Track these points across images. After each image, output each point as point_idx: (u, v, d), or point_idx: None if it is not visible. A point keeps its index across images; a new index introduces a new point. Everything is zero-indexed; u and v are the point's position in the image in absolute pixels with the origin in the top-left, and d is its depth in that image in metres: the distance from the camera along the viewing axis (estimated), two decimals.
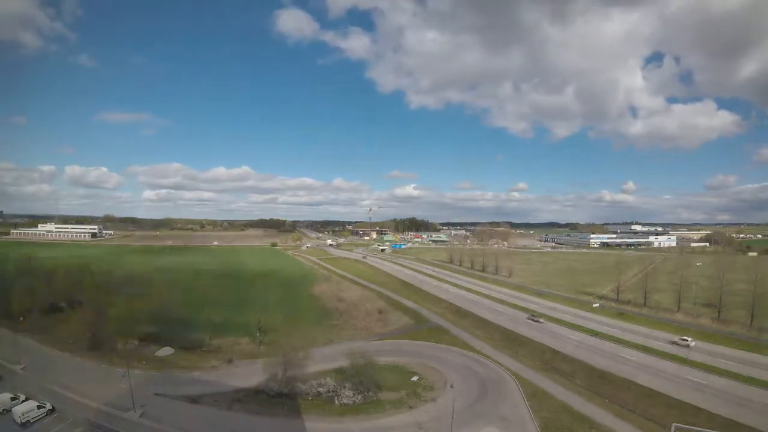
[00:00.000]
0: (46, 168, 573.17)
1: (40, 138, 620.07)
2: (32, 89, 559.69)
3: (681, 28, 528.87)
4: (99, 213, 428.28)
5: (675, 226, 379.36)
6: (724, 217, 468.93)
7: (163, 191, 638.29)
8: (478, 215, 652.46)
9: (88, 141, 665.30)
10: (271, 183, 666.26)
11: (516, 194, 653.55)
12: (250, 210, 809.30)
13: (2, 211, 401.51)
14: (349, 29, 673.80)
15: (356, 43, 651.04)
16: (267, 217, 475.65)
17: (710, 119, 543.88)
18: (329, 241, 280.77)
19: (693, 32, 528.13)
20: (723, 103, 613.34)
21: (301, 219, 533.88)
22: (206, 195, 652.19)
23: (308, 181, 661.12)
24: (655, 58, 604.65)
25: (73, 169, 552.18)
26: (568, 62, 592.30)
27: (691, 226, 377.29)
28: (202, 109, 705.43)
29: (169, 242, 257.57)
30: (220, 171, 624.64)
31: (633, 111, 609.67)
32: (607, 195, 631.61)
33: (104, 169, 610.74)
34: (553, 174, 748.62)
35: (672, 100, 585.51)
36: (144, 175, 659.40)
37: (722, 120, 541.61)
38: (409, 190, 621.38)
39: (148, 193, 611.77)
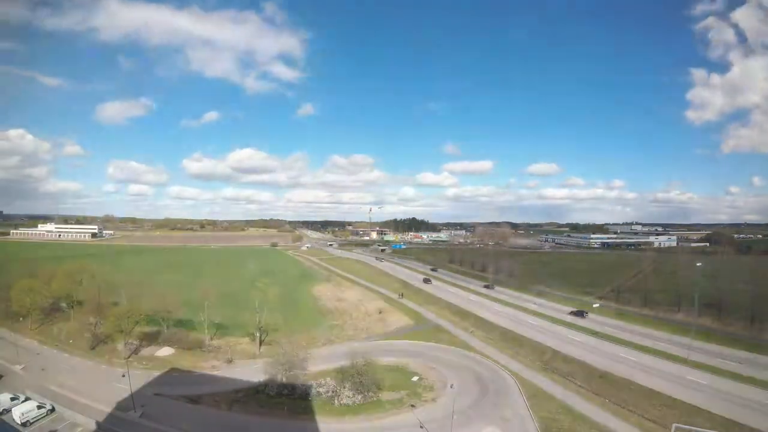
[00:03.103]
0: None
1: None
2: None
3: None
4: (101, 213, 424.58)
5: (676, 227, 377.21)
6: (751, 217, 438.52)
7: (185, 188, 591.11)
8: (478, 214, 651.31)
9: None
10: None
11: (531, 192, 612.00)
12: (253, 211, 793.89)
13: (2, 211, 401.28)
14: None
15: None
16: (267, 218, 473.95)
17: None
18: (329, 242, 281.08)
19: None
20: None
21: (301, 219, 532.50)
22: (246, 193, 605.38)
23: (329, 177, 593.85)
24: None
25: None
26: None
27: (690, 226, 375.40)
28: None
29: (170, 242, 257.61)
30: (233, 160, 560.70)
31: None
32: (610, 193, 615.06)
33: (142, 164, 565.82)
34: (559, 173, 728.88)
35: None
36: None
37: None
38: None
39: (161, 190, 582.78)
